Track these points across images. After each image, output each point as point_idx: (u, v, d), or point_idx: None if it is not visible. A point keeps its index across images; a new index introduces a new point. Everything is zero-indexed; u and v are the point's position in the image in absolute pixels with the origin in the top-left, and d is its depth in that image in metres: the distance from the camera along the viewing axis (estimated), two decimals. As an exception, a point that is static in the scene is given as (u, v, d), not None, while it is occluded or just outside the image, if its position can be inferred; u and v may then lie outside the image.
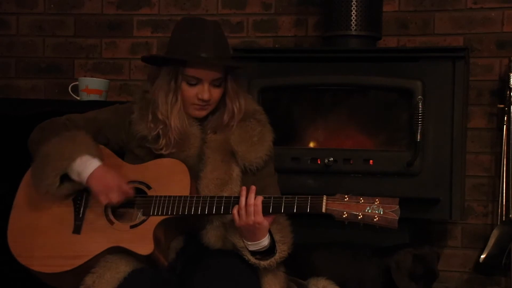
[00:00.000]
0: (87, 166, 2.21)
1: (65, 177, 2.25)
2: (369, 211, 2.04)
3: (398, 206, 2.04)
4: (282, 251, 2.21)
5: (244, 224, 2.12)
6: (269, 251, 2.20)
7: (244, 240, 2.18)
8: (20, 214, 2.32)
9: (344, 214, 2.05)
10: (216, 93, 2.30)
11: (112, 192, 2.19)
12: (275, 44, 3.67)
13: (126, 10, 3.82)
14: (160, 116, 2.28)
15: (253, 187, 2.14)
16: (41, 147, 2.27)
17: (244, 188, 2.15)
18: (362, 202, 2.05)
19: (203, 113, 2.33)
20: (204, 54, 2.24)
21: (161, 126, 2.28)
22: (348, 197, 2.07)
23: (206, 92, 2.27)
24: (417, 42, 3.51)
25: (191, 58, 2.25)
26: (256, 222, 2.11)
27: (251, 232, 2.14)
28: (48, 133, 2.31)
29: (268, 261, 2.19)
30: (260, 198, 2.12)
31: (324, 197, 2.09)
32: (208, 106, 2.31)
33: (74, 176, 2.23)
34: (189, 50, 2.25)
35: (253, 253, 2.19)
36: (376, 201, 2.04)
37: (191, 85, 2.28)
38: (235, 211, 2.13)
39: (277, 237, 2.20)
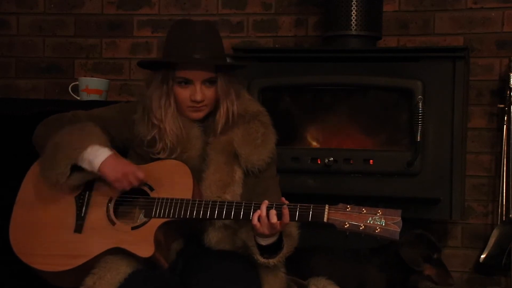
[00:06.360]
0: (98, 154, 2.21)
1: (75, 168, 2.24)
2: (371, 222, 2.02)
3: (400, 218, 2.02)
4: (289, 246, 2.21)
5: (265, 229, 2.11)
6: (276, 246, 2.19)
7: (258, 237, 2.16)
8: (22, 211, 2.32)
9: (346, 225, 2.03)
10: (210, 92, 2.28)
11: (127, 178, 2.20)
12: (275, 44, 3.67)
13: (126, 10, 3.82)
14: (155, 121, 2.28)
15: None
16: (50, 139, 2.27)
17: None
18: (364, 213, 2.03)
19: (200, 115, 2.32)
20: (195, 55, 2.23)
21: (156, 130, 2.29)
22: (350, 207, 2.05)
23: (198, 93, 2.25)
24: (417, 42, 3.51)
25: (178, 59, 2.24)
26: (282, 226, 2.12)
27: (269, 234, 2.13)
28: (55, 127, 2.32)
29: (276, 258, 2.19)
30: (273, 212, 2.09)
31: (326, 207, 2.07)
32: (203, 107, 2.29)
33: (85, 165, 2.22)
34: (179, 53, 2.24)
35: (262, 252, 2.18)
36: (379, 212, 2.02)
37: (182, 86, 2.27)
38: (255, 222, 2.10)
39: (284, 232, 2.19)
